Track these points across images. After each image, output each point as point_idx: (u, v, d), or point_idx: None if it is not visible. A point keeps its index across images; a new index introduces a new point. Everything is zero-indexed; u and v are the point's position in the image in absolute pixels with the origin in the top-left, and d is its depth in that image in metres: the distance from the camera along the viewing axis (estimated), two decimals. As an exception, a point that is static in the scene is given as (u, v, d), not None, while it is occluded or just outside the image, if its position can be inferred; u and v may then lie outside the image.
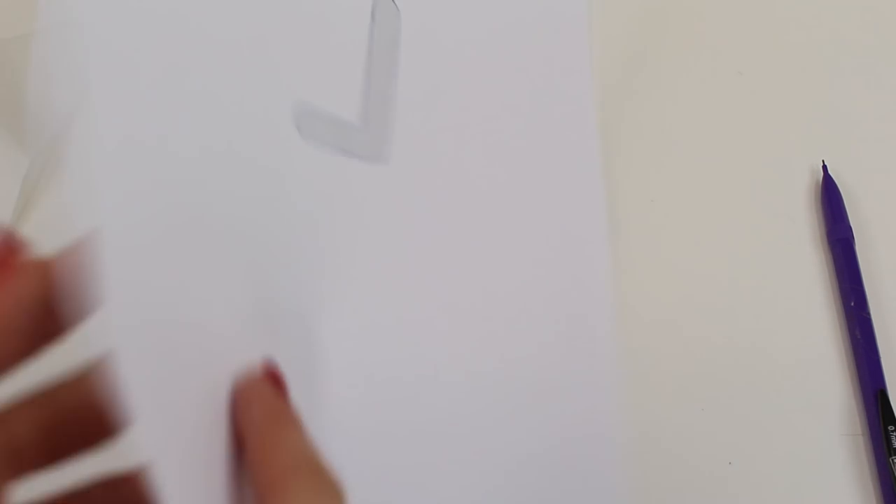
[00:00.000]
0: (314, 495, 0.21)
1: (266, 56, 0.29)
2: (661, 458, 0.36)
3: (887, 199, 0.42)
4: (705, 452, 0.37)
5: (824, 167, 0.42)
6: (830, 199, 0.41)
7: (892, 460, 0.36)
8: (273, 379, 0.24)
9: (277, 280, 0.28)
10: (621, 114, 0.45)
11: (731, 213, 0.42)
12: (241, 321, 0.25)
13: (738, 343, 0.39)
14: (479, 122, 0.36)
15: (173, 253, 0.23)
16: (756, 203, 0.42)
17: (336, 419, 0.30)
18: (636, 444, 0.36)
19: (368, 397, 0.31)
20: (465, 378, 0.33)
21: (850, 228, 0.40)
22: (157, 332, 0.21)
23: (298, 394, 0.25)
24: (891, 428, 0.36)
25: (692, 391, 0.38)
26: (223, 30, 0.28)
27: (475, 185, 0.35)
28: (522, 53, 0.37)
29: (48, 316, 0.22)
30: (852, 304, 0.39)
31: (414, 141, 0.34)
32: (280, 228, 0.29)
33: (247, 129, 0.28)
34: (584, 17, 0.38)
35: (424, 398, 0.32)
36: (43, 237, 0.22)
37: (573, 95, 0.37)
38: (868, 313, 0.39)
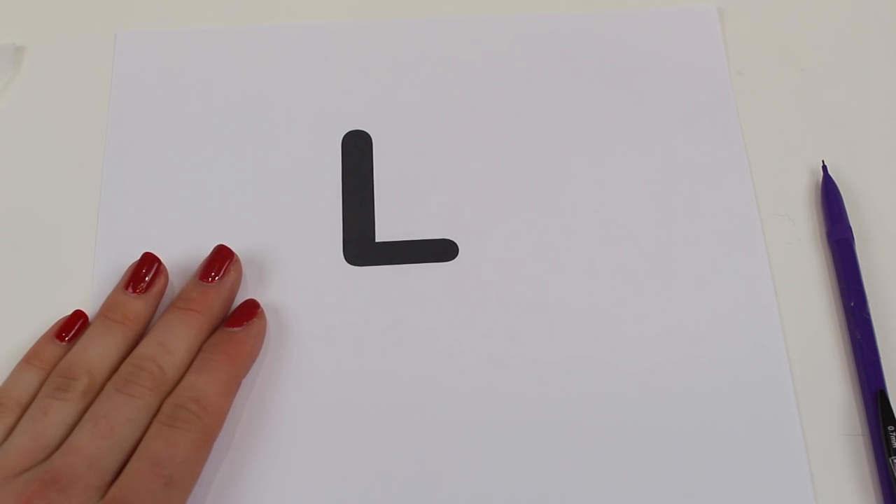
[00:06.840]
0: None
1: None
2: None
3: (887, 199, 0.42)
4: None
5: (824, 167, 0.42)
6: (830, 199, 0.41)
7: (892, 460, 0.36)
8: None
9: None
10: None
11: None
12: None
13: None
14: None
15: None
16: (756, 203, 0.42)
17: None
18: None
19: None
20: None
21: (850, 228, 0.40)
22: None
23: None
24: (891, 428, 0.36)
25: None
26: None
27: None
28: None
29: None
30: (852, 304, 0.39)
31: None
32: None
33: None
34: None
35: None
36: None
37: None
38: (868, 313, 0.39)
